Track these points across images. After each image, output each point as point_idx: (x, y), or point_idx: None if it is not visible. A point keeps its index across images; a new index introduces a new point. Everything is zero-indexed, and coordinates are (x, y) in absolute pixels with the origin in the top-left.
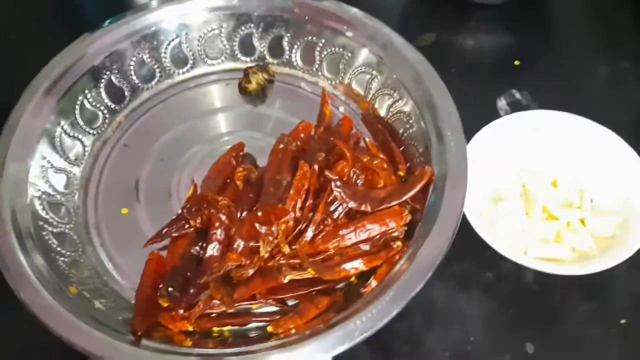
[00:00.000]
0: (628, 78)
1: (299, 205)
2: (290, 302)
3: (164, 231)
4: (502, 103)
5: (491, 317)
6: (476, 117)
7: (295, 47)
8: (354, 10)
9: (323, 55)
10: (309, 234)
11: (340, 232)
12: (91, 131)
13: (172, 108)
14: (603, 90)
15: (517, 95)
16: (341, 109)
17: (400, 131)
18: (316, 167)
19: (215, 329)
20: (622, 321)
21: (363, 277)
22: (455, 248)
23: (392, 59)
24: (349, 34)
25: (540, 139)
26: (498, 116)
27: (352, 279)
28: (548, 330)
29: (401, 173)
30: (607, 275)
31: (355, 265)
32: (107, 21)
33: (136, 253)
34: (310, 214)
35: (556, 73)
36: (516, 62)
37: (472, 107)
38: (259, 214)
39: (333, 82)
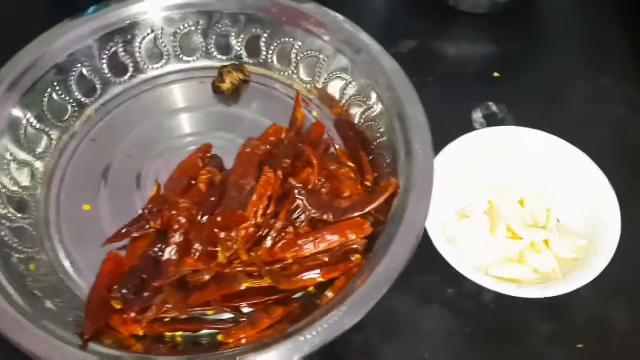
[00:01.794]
0: (609, 97)
1: (261, 211)
2: (247, 310)
3: (124, 230)
4: (477, 115)
5: (448, 334)
6: (450, 128)
7: (272, 48)
8: (333, 14)
9: (299, 58)
10: (269, 241)
11: (299, 242)
12: (59, 124)
13: (143, 104)
14: (581, 108)
15: (494, 108)
16: (314, 113)
17: (372, 139)
18: (280, 173)
19: (168, 334)
20: (579, 345)
21: (322, 287)
22: (418, 261)
23: (366, 66)
24: (326, 37)
25: (510, 156)
26: (472, 128)
27: (311, 288)
28: (504, 351)
29: (368, 183)
30: (568, 297)
31: (312, 276)
32: (91, 9)
33: (95, 251)
34: (272, 220)
35: (535, 87)
36: (495, 74)
37: (447, 117)
38: (218, 219)
39: (308, 86)
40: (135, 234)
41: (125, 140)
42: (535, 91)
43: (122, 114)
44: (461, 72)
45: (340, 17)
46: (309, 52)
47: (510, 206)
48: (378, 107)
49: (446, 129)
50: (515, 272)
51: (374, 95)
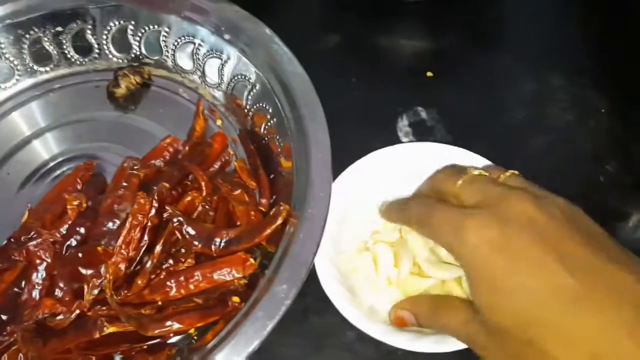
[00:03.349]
0: (559, 97)
1: (134, 244)
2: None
3: None
4: (403, 123)
5: None
6: (370, 138)
7: (173, 46)
8: (234, 7)
9: (202, 59)
10: (141, 280)
11: (168, 283)
12: None
13: (31, 112)
14: (525, 114)
15: (423, 114)
16: (219, 122)
17: (275, 155)
18: (156, 199)
19: None
20: None
21: (204, 328)
22: (314, 299)
23: (267, 69)
24: (227, 36)
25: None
26: (396, 138)
27: (192, 331)
28: None
29: (262, 208)
30: None
31: (185, 321)
32: None
33: None
34: (147, 255)
35: (474, 89)
36: (429, 73)
37: (369, 124)
38: (80, 255)
39: (214, 91)
40: None
41: (6, 155)
42: (473, 94)
43: (6, 124)
44: (390, 71)
45: (242, 11)
46: (210, 52)
47: (422, 237)
48: (278, 118)
49: (365, 139)
50: None
51: (274, 104)
